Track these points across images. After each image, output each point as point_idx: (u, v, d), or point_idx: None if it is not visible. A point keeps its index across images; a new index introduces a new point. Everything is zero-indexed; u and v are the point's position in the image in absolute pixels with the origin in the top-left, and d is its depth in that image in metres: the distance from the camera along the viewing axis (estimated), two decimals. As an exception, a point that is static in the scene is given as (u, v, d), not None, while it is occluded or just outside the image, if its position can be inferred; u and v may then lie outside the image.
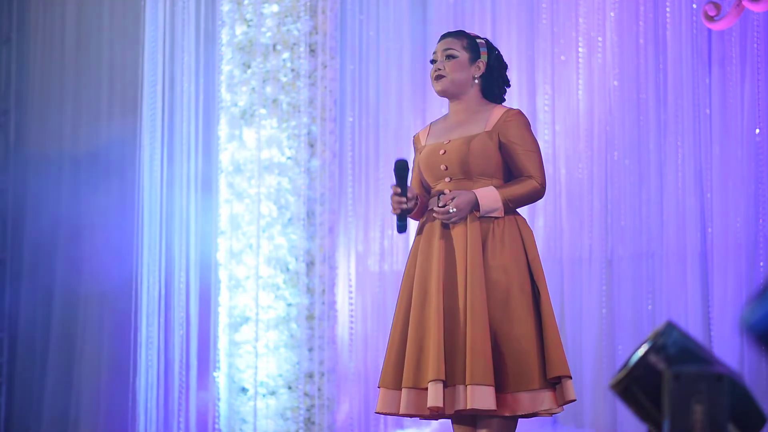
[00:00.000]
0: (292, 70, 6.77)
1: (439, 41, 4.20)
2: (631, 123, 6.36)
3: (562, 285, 6.47)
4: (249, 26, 6.84)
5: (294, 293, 6.69)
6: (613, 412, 6.27)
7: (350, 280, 6.97)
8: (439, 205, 3.97)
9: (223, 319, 6.82)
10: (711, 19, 5.94)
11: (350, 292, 6.94)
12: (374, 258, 6.96)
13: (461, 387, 3.85)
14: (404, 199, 4.00)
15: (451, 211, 3.94)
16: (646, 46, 6.33)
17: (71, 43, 7.97)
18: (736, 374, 2.24)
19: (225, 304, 6.81)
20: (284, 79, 6.77)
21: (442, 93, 4.16)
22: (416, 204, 4.06)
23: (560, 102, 6.58)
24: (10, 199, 7.97)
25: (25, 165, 7.99)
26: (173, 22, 7.13)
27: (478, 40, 4.19)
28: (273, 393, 6.65)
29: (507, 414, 3.89)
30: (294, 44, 6.78)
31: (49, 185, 7.84)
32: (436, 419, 4.05)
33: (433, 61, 4.18)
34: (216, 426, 6.78)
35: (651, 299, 6.25)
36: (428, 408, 3.86)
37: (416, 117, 6.90)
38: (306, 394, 6.64)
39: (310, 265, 6.72)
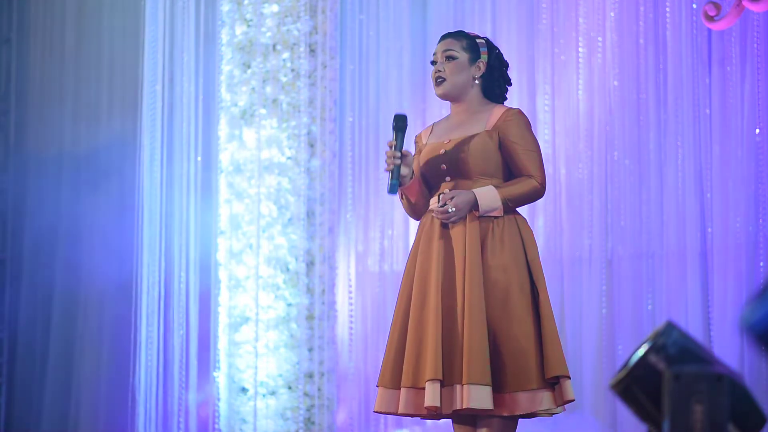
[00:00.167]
0: (292, 70, 6.77)
1: (439, 42, 4.20)
2: (631, 123, 6.36)
3: (562, 285, 6.47)
4: (249, 26, 6.83)
5: (294, 293, 6.69)
6: (613, 412, 6.27)
7: (350, 280, 6.97)
8: (438, 204, 3.97)
9: (223, 319, 6.82)
10: (711, 19, 5.94)
11: (350, 292, 6.94)
12: (374, 258, 6.96)
13: (458, 387, 3.84)
14: (398, 154, 3.99)
15: (449, 210, 3.94)
16: (646, 46, 6.33)
17: (71, 43, 7.96)
18: (736, 374, 2.24)
19: (225, 304, 6.81)
20: (284, 79, 6.77)
21: (443, 96, 4.16)
22: (411, 174, 4.04)
23: (560, 102, 6.58)
24: (10, 199, 7.97)
25: (25, 165, 7.99)
26: (173, 22, 7.13)
27: (478, 40, 4.18)
28: (273, 393, 6.65)
29: (505, 414, 3.88)
30: (294, 44, 6.78)
31: (49, 185, 7.84)
32: (436, 419, 4.05)
33: (433, 63, 4.18)
34: (216, 426, 6.78)
35: (651, 299, 6.25)
36: (425, 408, 3.86)
37: (416, 117, 6.89)
38: (306, 394, 6.64)
39: (310, 265, 6.72)
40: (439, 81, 4.14)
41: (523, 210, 4.16)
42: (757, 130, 6.03)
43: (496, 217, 3.98)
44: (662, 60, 6.29)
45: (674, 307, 6.15)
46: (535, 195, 4.05)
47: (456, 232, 3.97)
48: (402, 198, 4.13)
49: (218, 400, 6.79)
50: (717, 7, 5.91)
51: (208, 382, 6.93)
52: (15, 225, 7.97)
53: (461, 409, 3.84)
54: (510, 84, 4.24)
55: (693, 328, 5.99)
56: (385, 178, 4.28)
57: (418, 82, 6.95)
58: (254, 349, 6.65)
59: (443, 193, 4.01)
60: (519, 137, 4.03)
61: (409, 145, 4.26)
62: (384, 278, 6.91)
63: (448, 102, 4.22)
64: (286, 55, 6.78)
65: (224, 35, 6.94)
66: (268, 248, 6.71)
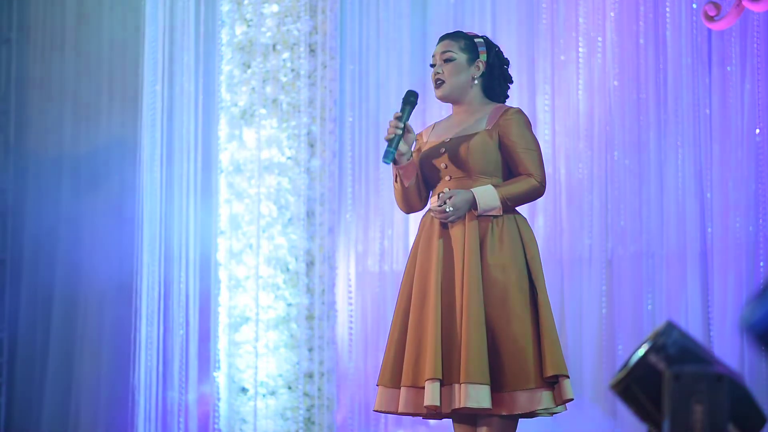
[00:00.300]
0: (292, 70, 6.76)
1: (437, 44, 4.19)
2: (631, 123, 6.36)
3: (562, 285, 6.47)
4: (249, 26, 6.83)
5: (294, 293, 6.69)
6: (613, 412, 6.27)
7: (350, 280, 6.96)
8: (437, 204, 3.97)
9: (223, 319, 6.82)
10: (711, 19, 5.94)
11: (350, 292, 6.94)
12: (374, 258, 6.96)
13: (457, 386, 3.84)
14: (401, 125, 3.99)
15: (447, 210, 3.94)
16: (646, 46, 6.33)
17: (71, 43, 7.96)
18: (736, 374, 2.24)
19: (225, 304, 6.81)
20: (284, 79, 6.77)
21: (443, 99, 4.16)
22: (410, 155, 4.04)
23: (560, 102, 6.58)
24: (10, 199, 7.96)
25: (25, 165, 7.98)
26: (173, 22, 7.13)
27: (476, 40, 4.17)
28: (273, 393, 6.65)
29: (504, 413, 3.88)
30: (294, 44, 6.77)
31: (49, 185, 7.83)
32: (436, 419, 4.04)
33: (432, 65, 4.17)
34: (216, 426, 6.78)
35: (651, 299, 6.25)
36: (425, 407, 3.85)
37: (416, 117, 6.87)
38: (306, 394, 6.64)
39: (310, 265, 6.72)
40: (438, 83, 4.14)
41: (522, 209, 4.16)
42: (757, 130, 6.03)
43: (495, 217, 3.98)
44: (662, 60, 6.29)
45: (674, 307, 6.15)
46: (534, 194, 4.04)
47: (455, 231, 3.98)
48: (396, 181, 4.11)
49: (218, 400, 6.79)
50: (717, 7, 5.91)
51: (208, 382, 6.92)
52: (15, 225, 7.96)
53: (460, 409, 3.84)
54: (511, 82, 4.23)
55: (693, 328, 5.99)
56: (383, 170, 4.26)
57: (418, 82, 6.94)
58: (254, 349, 6.65)
59: (443, 192, 4.01)
60: (518, 136, 4.03)
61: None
62: (384, 278, 6.91)
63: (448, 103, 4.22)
64: (286, 55, 6.78)
65: (224, 35, 6.94)
66: (268, 248, 6.71)
